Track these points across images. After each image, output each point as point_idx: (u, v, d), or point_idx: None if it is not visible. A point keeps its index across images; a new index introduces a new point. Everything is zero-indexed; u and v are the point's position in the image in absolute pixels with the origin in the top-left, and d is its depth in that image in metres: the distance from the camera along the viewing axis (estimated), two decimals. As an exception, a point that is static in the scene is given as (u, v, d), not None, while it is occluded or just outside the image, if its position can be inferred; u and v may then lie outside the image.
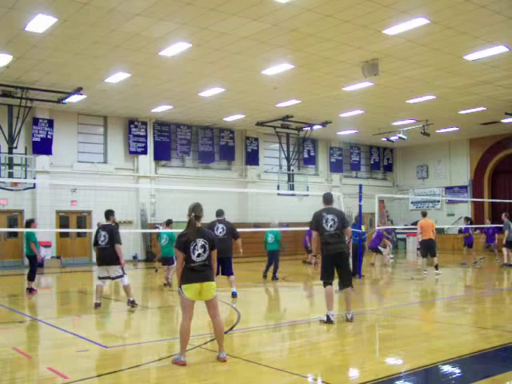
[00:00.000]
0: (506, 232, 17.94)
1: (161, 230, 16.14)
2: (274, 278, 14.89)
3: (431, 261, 15.88)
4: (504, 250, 17.94)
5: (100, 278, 10.16)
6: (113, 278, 10.15)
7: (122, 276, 10.08)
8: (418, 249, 16.93)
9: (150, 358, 6.44)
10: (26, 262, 13.04)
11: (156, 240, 16.56)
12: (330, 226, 8.16)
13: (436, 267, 15.57)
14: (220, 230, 10.83)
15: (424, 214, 16.11)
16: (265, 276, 15.16)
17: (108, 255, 10.01)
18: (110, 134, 23.74)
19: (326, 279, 8.25)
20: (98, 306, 9.97)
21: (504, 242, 18.08)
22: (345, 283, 8.34)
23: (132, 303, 10.15)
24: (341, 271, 8.30)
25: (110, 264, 10.03)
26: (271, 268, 15.18)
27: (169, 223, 14.11)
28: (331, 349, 6.87)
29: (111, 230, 10.09)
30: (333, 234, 8.17)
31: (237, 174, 27.29)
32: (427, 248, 15.78)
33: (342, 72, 16.86)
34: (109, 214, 10.48)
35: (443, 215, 30.55)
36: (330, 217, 8.20)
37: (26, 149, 20.43)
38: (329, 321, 8.10)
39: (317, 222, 8.28)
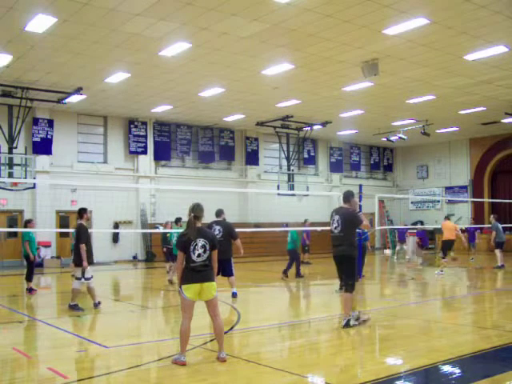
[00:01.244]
0: (494, 233, 18.11)
1: (161, 229, 16.20)
2: (298, 275, 15.18)
3: (452, 257, 16.23)
4: (497, 251, 17.92)
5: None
6: (86, 279, 9.79)
7: (79, 278, 9.69)
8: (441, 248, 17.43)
9: (150, 358, 6.44)
10: (26, 262, 13.01)
11: (159, 240, 16.78)
12: (335, 228, 8.02)
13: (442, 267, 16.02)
14: (216, 232, 10.47)
15: (446, 218, 17.14)
16: (285, 274, 15.09)
17: (74, 256, 9.81)
18: (109, 133, 23.74)
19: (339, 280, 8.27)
20: (96, 305, 9.93)
21: (492, 242, 18.27)
22: (343, 287, 8.16)
23: (71, 307, 9.72)
24: (340, 274, 8.20)
25: (75, 265, 9.85)
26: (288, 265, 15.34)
27: (177, 221, 14.29)
28: (331, 349, 6.87)
29: (78, 230, 9.70)
30: (336, 237, 8.04)
31: (237, 174, 27.29)
32: (445, 247, 16.58)
33: (342, 72, 16.86)
34: (80, 211, 9.94)
35: (443, 215, 30.44)
36: (336, 218, 8.05)
37: (26, 149, 20.44)
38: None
39: (330, 222, 8.27)
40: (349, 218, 7.99)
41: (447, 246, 16.60)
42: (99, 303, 9.98)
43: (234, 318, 8.96)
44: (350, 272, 8.02)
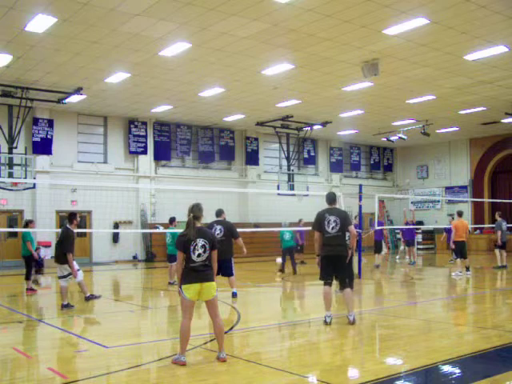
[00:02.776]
0: (499, 232, 17.62)
1: (161, 229, 16.19)
2: (295, 272, 16.20)
3: (464, 262, 15.54)
4: (496, 251, 17.63)
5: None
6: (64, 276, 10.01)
7: (69, 275, 9.98)
8: (452, 249, 16.44)
9: (150, 358, 6.45)
10: (25, 261, 13.07)
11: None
12: (332, 228, 8.02)
13: (467, 269, 15.47)
14: (217, 232, 10.45)
15: (460, 214, 15.67)
16: (282, 270, 16.43)
17: (56, 255, 10.14)
18: (110, 134, 23.73)
19: (323, 279, 8.19)
20: (64, 307, 9.84)
21: (499, 242, 17.55)
22: (344, 285, 8.20)
23: (65, 306, 9.87)
24: (339, 274, 8.20)
25: (57, 262, 10.11)
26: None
27: (172, 221, 14.18)
28: (331, 349, 6.87)
29: (65, 235, 9.93)
30: (334, 237, 8.02)
31: (237, 174, 27.28)
32: (459, 249, 15.54)
33: (342, 72, 16.86)
34: (71, 216, 10.24)
35: (443, 215, 30.52)
36: (332, 218, 8.05)
37: (26, 149, 20.43)
38: (324, 322, 8.05)
39: (319, 223, 8.19)
40: (346, 218, 8.14)
41: (461, 248, 15.39)
42: (67, 306, 9.87)
43: (234, 318, 8.96)
44: (350, 269, 8.27)
